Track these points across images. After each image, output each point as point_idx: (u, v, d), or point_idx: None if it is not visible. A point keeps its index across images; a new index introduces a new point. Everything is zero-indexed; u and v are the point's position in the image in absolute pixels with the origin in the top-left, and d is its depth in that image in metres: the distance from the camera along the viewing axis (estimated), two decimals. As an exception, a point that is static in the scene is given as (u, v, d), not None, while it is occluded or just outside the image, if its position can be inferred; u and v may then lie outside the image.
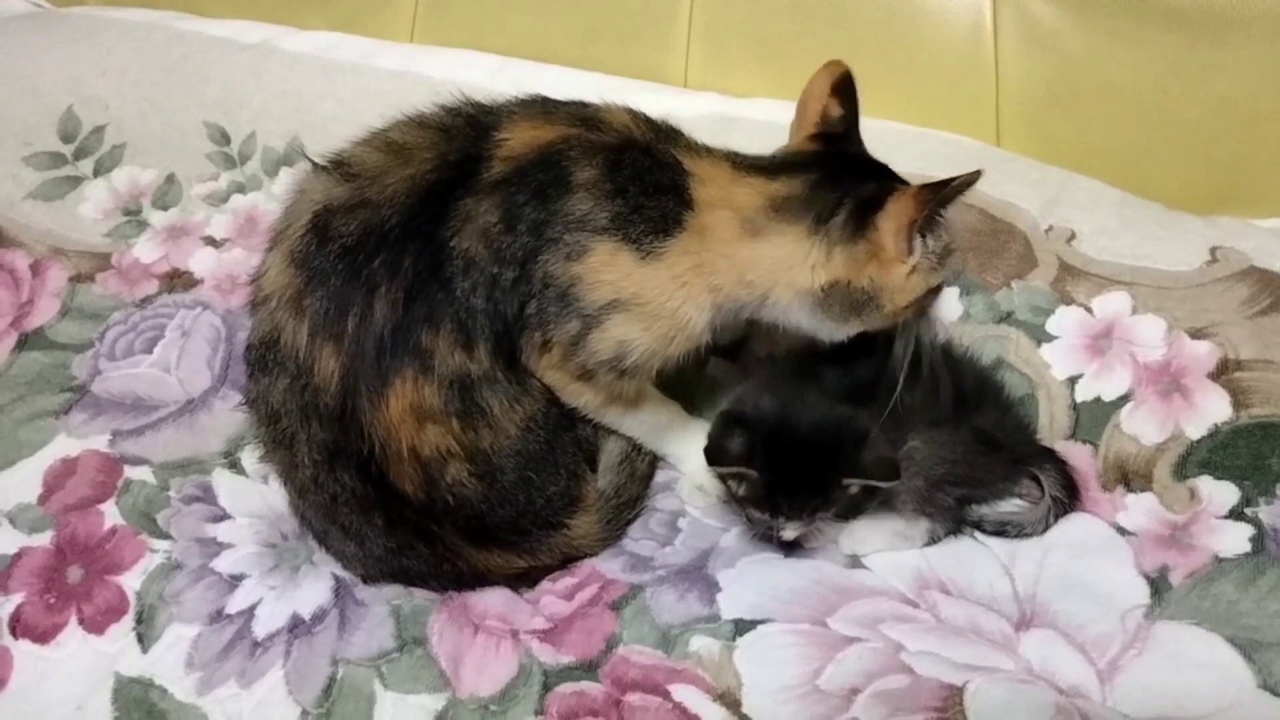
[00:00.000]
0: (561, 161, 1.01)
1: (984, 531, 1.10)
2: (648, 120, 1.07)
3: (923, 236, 0.98)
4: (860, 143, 1.07)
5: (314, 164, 1.09)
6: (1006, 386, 1.17)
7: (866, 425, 1.01)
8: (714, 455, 1.02)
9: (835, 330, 1.03)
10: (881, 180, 1.01)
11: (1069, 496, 1.10)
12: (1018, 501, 1.12)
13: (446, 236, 0.99)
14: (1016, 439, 1.12)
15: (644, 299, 0.99)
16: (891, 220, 0.96)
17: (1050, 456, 1.12)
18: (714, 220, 1.00)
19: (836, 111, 1.06)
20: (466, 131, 1.05)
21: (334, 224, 1.02)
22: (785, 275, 0.99)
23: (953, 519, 1.09)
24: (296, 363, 1.02)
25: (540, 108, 1.08)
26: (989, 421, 1.10)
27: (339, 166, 1.06)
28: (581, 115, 1.05)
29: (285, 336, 1.03)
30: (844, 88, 1.07)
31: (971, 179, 0.96)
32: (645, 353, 1.02)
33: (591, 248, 0.98)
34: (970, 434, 1.08)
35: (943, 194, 0.96)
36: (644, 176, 1.00)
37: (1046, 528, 1.09)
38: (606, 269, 0.98)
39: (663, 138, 1.05)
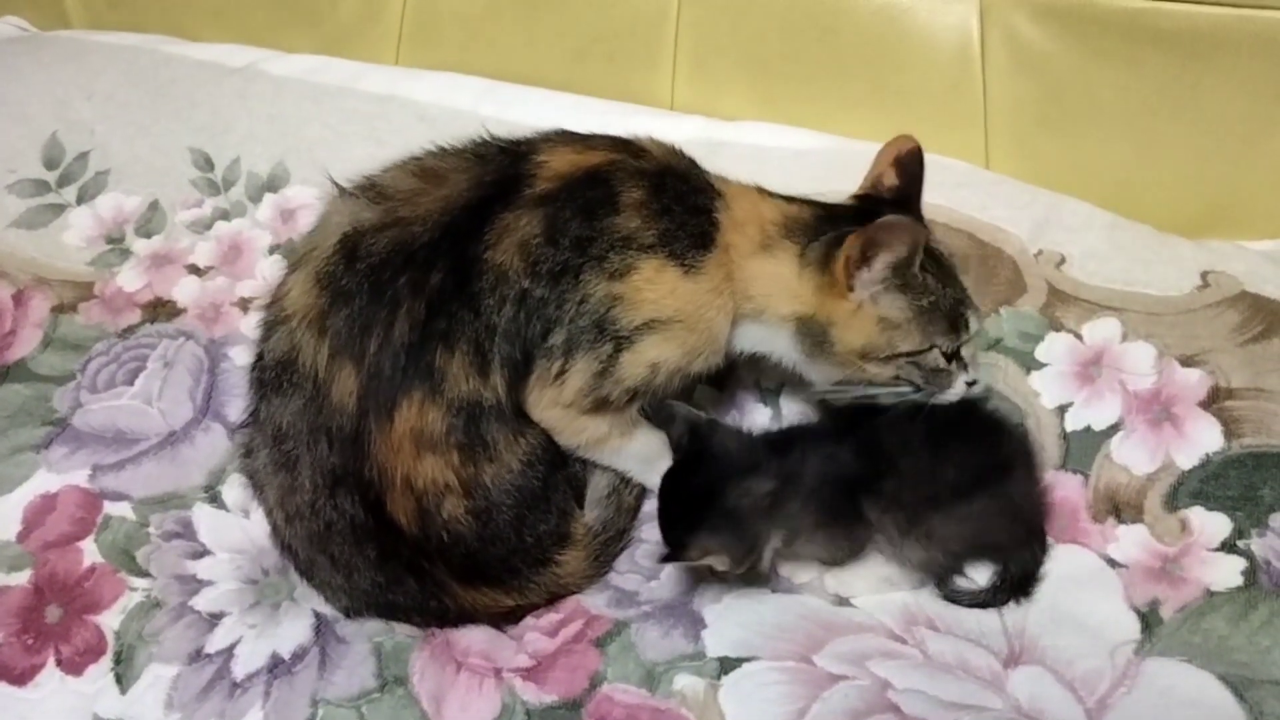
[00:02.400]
0: (609, 181, 1.04)
1: (938, 593, 1.08)
2: (678, 149, 1.11)
3: (861, 272, 1.01)
4: (917, 213, 1.11)
5: (341, 188, 1.10)
6: (1037, 452, 1.13)
7: (732, 502, 0.99)
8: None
9: (812, 369, 1.08)
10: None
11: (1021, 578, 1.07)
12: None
13: (480, 250, 1.00)
14: (1035, 514, 1.10)
15: (684, 314, 1.02)
16: (844, 252, 1.01)
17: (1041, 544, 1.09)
18: (738, 236, 1.05)
19: (890, 181, 1.11)
20: (500, 158, 1.08)
21: (363, 244, 1.03)
22: (777, 294, 1.05)
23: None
24: (314, 383, 1.02)
25: (574, 136, 1.11)
26: (1019, 489, 1.08)
27: (369, 190, 1.08)
28: (620, 142, 1.09)
29: (304, 356, 1.03)
30: (909, 160, 1.12)
31: (916, 231, 1.00)
32: (671, 371, 1.04)
33: (637, 265, 1.01)
34: (997, 504, 1.06)
35: (872, 229, 0.98)
36: (684, 199, 1.05)
37: (990, 604, 1.06)
38: (650, 287, 1.01)
39: (694, 164, 1.11)
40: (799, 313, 1.05)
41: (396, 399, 0.99)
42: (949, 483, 1.04)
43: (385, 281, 1.01)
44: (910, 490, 1.03)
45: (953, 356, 1.05)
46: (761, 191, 1.10)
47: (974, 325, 1.05)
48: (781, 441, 1.08)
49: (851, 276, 1.01)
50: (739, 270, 1.05)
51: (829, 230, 1.05)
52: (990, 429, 1.11)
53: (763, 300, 1.06)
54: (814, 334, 1.05)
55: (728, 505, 0.99)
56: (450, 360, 0.99)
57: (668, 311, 1.01)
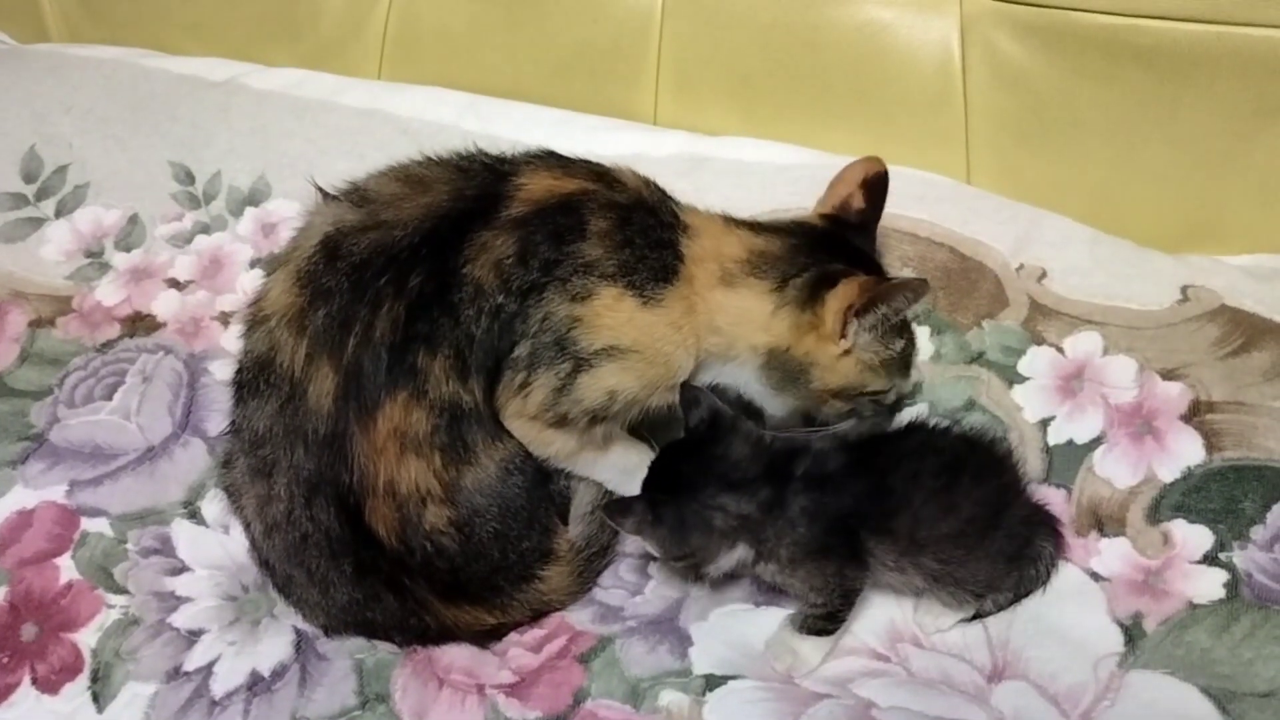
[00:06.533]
0: (581, 210, 1.05)
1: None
2: (653, 182, 1.12)
3: (859, 320, 1.03)
4: (872, 240, 1.16)
5: (325, 193, 1.10)
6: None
7: (700, 507, 0.98)
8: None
9: (773, 400, 1.10)
10: (859, 267, 1.07)
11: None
12: None
13: (459, 264, 1.01)
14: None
15: (642, 344, 1.02)
16: (837, 299, 1.03)
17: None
18: (700, 270, 1.05)
19: (858, 204, 1.14)
20: (484, 174, 1.09)
21: (344, 245, 1.03)
22: (746, 329, 1.06)
23: None
24: (291, 383, 1.02)
25: (556, 161, 1.12)
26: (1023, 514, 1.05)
27: (352, 194, 1.08)
28: (598, 172, 1.10)
29: (282, 355, 1.02)
30: (875, 184, 1.14)
31: (920, 287, 1.03)
32: (629, 401, 1.04)
33: (597, 292, 1.01)
34: (1012, 539, 1.03)
35: (887, 287, 1.02)
36: (649, 232, 1.06)
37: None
38: (609, 313, 1.01)
39: (665, 198, 1.11)
40: (771, 345, 1.06)
41: (380, 398, 0.99)
42: (968, 520, 1.00)
43: (366, 281, 1.01)
44: (927, 529, 0.99)
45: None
46: (728, 221, 1.11)
47: (916, 372, 1.14)
48: (789, 458, 1.01)
49: (847, 324, 1.03)
50: (703, 302, 1.05)
51: (804, 261, 1.06)
52: (992, 455, 1.07)
53: (730, 331, 1.06)
54: (786, 368, 1.06)
55: (693, 508, 0.98)
56: (432, 363, 0.99)
57: (626, 340, 1.02)
